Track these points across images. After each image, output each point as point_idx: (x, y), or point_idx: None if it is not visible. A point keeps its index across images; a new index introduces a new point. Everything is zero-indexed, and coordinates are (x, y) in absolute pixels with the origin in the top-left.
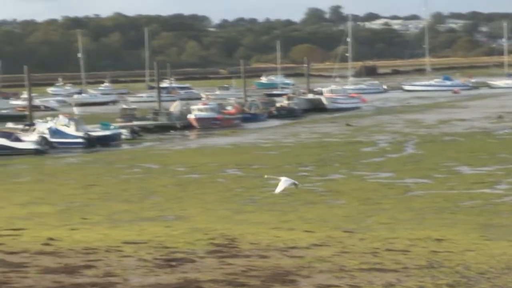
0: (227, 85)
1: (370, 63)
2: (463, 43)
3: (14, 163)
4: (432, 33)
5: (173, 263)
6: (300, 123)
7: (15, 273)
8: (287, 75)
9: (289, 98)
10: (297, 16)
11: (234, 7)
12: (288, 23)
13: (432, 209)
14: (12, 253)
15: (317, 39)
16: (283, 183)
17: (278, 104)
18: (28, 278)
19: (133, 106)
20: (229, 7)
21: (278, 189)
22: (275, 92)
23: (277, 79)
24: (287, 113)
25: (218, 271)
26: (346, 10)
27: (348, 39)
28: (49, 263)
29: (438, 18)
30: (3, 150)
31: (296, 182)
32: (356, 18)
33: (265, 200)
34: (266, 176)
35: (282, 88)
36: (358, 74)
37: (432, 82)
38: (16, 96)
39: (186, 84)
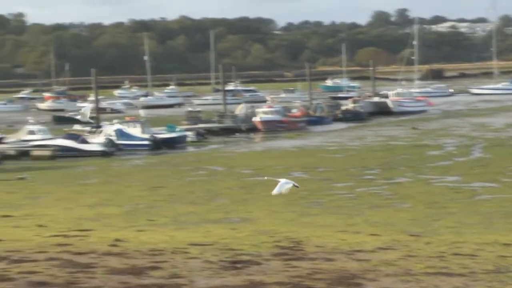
0: (292, 88)
1: (436, 66)
2: None
3: (81, 165)
4: (500, 36)
5: (239, 265)
6: (366, 126)
7: (82, 274)
8: (353, 78)
9: (354, 101)
10: (362, 19)
11: (300, 10)
12: (354, 26)
13: (499, 213)
14: (79, 253)
15: (383, 42)
16: (281, 185)
17: (343, 107)
18: (95, 279)
19: (199, 108)
20: (295, 10)
21: (275, 191)
22: (340, 95)
23: (343, 82)
24: (353, 116)
25: (284, 273)
26: (413, 13)
27: (414, 42)
28: (116, 264)
29: (506, 21)
30: (71, 152)
31: (296, 184)
32: (422, 21)
33: (330, 203)
34: (266, 178)
35: (348, 91)
36: (425, 77)
37: (499, 85)
38: (83, 98)
39: (251, 87)
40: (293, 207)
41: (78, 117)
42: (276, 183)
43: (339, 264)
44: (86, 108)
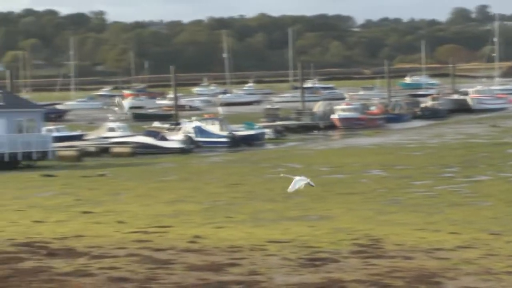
0: (370, 86)
1: None
2: None
3: (161, 162)
4: None
5: (317, 263)
6: (445, 124)
7: (162, 270)
8: (432, 76)
9: (433, 99)
10: (442, 15)
11: (379, 7)
12: (433, 23)
13: None
14: (159, 250)
15: (463, 39)
16: (296, 182)
17: (422, 105)
18: (174, 275)
19: (277, 106)
20: (374, 7)
21: (291, 188)
22: (419, 92)
23: (422, 79)
24: (432, 114)
25: (362, 271)
26: (493, 10)
27: (495, 39)
28: (195, 260)
29: None
30: (150, 149)
31: (312, 183)
32: (503, 17)
33: (409, 201)
34: (282, 175)
35: (427, 88)
36: (505, 74)
37: None
38: (162, 96)
39: (330, 84)
40: (371, 204)
41: (116, 108)
42: (291, 180)
43: (418, 262)
44: (124, 101)
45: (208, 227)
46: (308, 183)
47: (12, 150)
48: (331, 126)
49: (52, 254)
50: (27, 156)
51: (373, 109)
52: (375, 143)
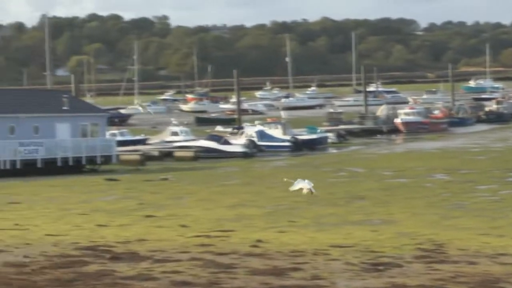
0: (434, 89)
1: None
2: None
3: (223, 166)
4: None
5: (380, 267)
6: (509, 128)
7: (224, 274)
8: (496, 79)
9: (498, 103)
10: (507, 18)
11: (442, 10)
12: (498, 26)
13: None
14: (221, 254)
15: None
16: (297, 182)
17: (486, 109)
18: (237, 279)
19: (340, 110)
20: (437, 10)
21: (294, 187)
22: (483, 96)
23: (486, 83)
24: (496, 118)
25: (426, 276)
26: None
27: None
28: (257, 264)
29: None
30: (213, 153)
31: (313, 190)
32: None
33: (473, 206)
34: (285, 180)
35: (491, 92)
36: None
37: None
38: (225, 100)
39: (393, 88)
40: (435, 209)
41: (140, 108)
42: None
43: (483, 267)
44: (148, 104)
45: (270, 231)
46: (310, 190)
47: (76, 154)
48: (394, 130)
49: (115, 258)
50: (91, 160)
51: (437, 113)
52: (439, 147)
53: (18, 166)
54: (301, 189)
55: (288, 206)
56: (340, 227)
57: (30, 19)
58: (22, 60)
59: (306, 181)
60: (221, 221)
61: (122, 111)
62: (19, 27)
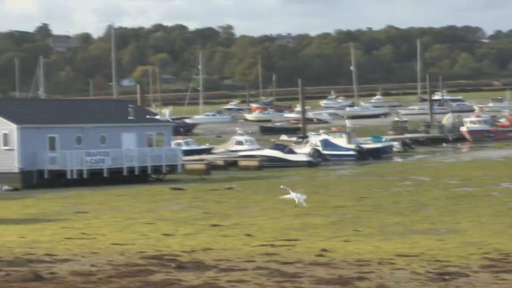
0: (500, 97)
1: None
2: None
3: (288, 175)
4: None
5: (447, 277)
6: None
7: (290, 283)
8: None
9: None
10: None
11: (509, 18)
12: None
13: None
14: (286, 263)
15: None
16: (293, 195)
17: None
18: None
19: (405, 118)
20: (503, 18)
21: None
22: None
23: None
24: None
25: (493, 286)
26: None
27: None
28: (322, 274)
29: None
30: (277, 162)
31: (304, 204)
32: None
33: None
34: (282, 187)
35: None
36: None
37: None
38: (290, 109)
39: (458, 96)
40: (501, 218)
41: (157, 116)
42: (288, 192)
43: None
44: (167, 110)
45: (335, 241)
46: (301, 202)
47: (142, 164)
48: (460, 139)
49: (181, 267)
50: (157, 169)
51: (503, 121)
52: (506, 155)
53: (85, 175)
54: (292, 199)
55: (353, 215)
56: (406, 236)
57: (97, 30)
58: (89, 70)
59: (299, 194)
60: (286, 230)
61: (187, 120)
62: (85, 38)
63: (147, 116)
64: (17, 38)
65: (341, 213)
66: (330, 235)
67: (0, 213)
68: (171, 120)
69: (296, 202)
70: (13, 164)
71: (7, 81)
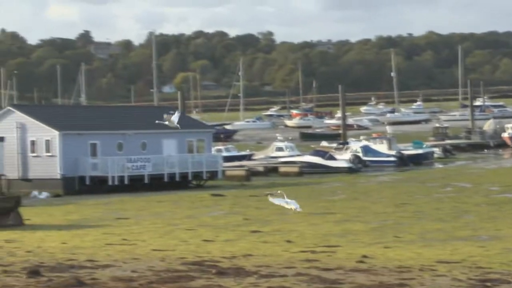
0: None
1: None
2: None
3: (328, 181)
4: None
5: (488, 284)
6: None
7: None
8: None
9: None
10: None
11: None
12: None
13: None
14: (327, 269)
15: None
16: (282, 201)
17: None
18: None
19: (446, 124)
20: None
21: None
22: None
23: None
24: None
25: None
26: None
27: None
28: (363, 280)
29: None
30: (317, 168)
31: (299, 209)
32: None
33: None
34: (279, 192)
35: None
36: None
37: None
38: (330, 115)
39: (500, 102)
40: None
41: (166, 122)
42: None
43: None
44: (175, 115)
45: (376, 247)
46: (296, 208)
47: (183, 170)
48: (502, 145)
49: (221, 273)
50: (197, 175)
51: None
52: None
53: (126, 182)
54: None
55: (393, 221)
56: (447, 242)
57: (138, 37)
58: (130, 77)
59: (293, 201)
60: (327, 236)
61: (228, 127)
62: (127, 45)
63: (156, 122)
64: (59, 45)
65: (382, 219)
66: (371, 242)
67: (43, 219)
68: (179, 127)
69: (293, 208)
70: (55, 170)
71: (49, 88)
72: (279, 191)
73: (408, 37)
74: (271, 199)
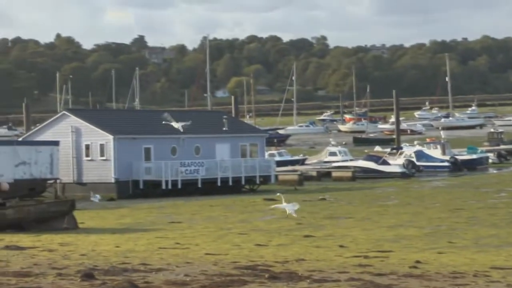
0: None
1: None
2: None
3: (382, 186)
4: None
5: None
6: None
7: None
8: None
9: None
10: None
11: None
12: None
13: None
14: (380, 274)
15: None
16: (285, 206)
17: None
18: None
19: (500, 130)
20: None
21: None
22: None
23: None
24: None
25: None
26: None
27: None
28: (416, 285)
29: None
30: (371, 173)
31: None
32: None
33: None
34: (278, 194)
35: None
36: None
37: None
38: (384, 120)
39: None
40: None
41: (172, 123)
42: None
43: None
44: (181, 123)
45: (429, 252)
46: (292, 213)
47: (236, 175)
48: None
49: (274, 277)
50: (250, 180)
51: None
52: None
53: (179, 186)
54: (284, 210)
55: (447, 226)
56: (502, 248)
57: (192, 42)
58: (184, 82)
59: (291, 205)
60: (380, 241)
61: (281, 131)
62: (181, 49)
63: (163, 122)
64: (114, 50)
65: (436, 225)
66: (424, 247)
67: (96, 222)
68: (181, 130)
69: (287, 212)
70: (109, 174)
71: (104, 93)
72: (278, 194)
73: (463, 42)
74: (273, 206)
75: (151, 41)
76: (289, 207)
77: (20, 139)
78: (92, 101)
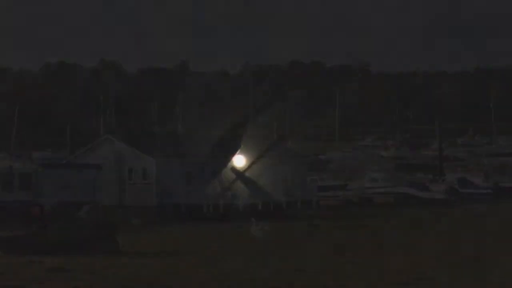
0: None
1: None
2: None
3: (422, 213)
4: None
5: None
6: None
7: None
8: None
9: None
10: None
11: None
12: None
13: None
14: None
15: None
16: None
17: None
18: None
19: None
20: None
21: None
22: None
23: None
24: None
25: None
26: None
27: None
28: None
29: None
30: (412, 200)
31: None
32: None
33: None
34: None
35: None
36: None
37: None
38: (426, 146)
39: None
40: None
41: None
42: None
43: None
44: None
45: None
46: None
47: (277, 199)
48: None
49: None
50: (292, 205)
51: None
52: None
53: (220, 210)
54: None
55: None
56: None
57: (234, 67)
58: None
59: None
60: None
61: (323, 156)
62: (223, 73)
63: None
64: (157, 74)
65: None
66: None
67: (139, 246)
68: None
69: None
70: (151, 197)
71: (147, 117)
72: (252, 219)
73: (508, 67)
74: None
75: (194, 67)
76: (255, 230)
77: (63, 162)
78: (135, 125)
